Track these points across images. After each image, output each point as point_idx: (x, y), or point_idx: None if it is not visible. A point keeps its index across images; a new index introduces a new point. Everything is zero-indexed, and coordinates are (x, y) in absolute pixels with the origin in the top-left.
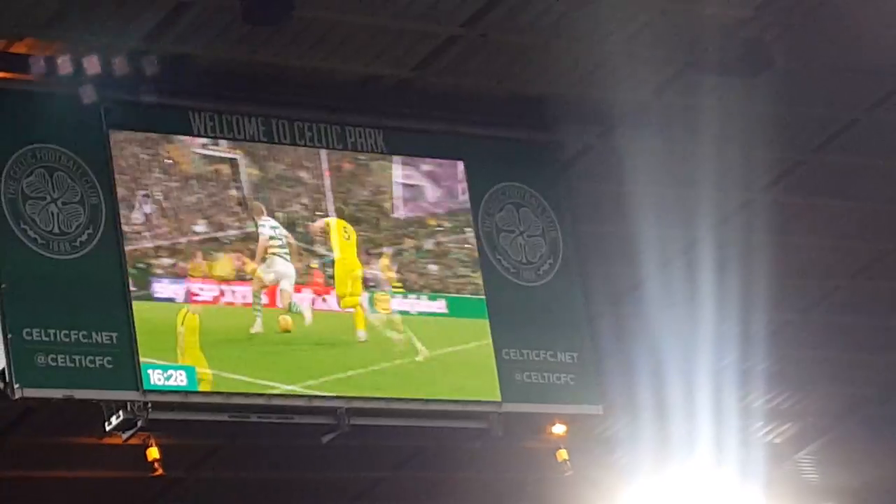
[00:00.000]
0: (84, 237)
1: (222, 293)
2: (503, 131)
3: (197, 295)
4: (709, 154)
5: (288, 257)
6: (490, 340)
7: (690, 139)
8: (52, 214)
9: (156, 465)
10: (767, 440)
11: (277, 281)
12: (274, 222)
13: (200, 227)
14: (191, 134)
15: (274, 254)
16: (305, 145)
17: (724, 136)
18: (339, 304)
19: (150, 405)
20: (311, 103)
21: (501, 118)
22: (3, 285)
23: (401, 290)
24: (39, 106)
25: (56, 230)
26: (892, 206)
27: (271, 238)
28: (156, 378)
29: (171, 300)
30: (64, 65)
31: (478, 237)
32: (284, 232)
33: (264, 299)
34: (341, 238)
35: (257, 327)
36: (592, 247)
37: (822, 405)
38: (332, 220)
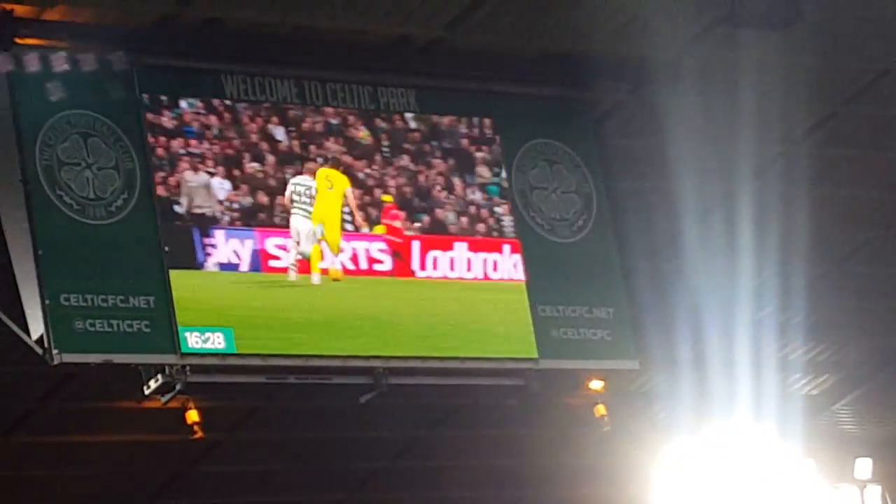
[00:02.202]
0: (119, 202)
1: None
2: (535, 89)
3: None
4: (743, 107)
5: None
6: (526, 297)
7: (724, 93)
8: (88, 180)
9: (195, 427)
10: (805, 392)
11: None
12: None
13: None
14: (223, 97)
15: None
16: (338, 106)
17: (757, 88)
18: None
19: (188, 368)
20: (343, 64)
21: (533, 76)
22: (40, 251)
23: None
24: (73, 72)
25: (91, 195)
26: None
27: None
28: (193, 341)
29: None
30: (96, 31)
31: (511, 194)
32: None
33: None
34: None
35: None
36: (628, 202)
37: (859, 356)
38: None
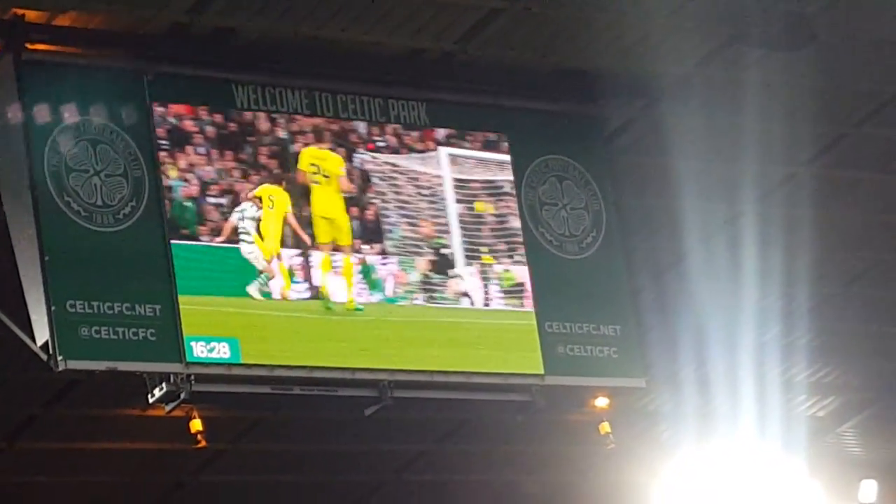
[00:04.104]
0: (127, 209)
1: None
2: (546, 104)
3: None
4: (752, 128)
5: None
6: (533, 313)
7: (733, 113)
8: (96, 187)
9: (199, 436)
10: (810, 414)
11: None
12: None
13: None
14: (234, 106)
15: None
16: (349, 118)
17: (767, 109)
18: None
19: (193, 377)
20: (355, 76)
21: (544, 91)
22: (47, 257)
23: None
24: (83, 79)
25: (99, 202)
26: None
27: None
28: (199, 350)
29: None
30: (107, 38)
31: (521, 210)
32: None
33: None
34: None
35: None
36: (636, 220)
37: (864, 379)
38: None
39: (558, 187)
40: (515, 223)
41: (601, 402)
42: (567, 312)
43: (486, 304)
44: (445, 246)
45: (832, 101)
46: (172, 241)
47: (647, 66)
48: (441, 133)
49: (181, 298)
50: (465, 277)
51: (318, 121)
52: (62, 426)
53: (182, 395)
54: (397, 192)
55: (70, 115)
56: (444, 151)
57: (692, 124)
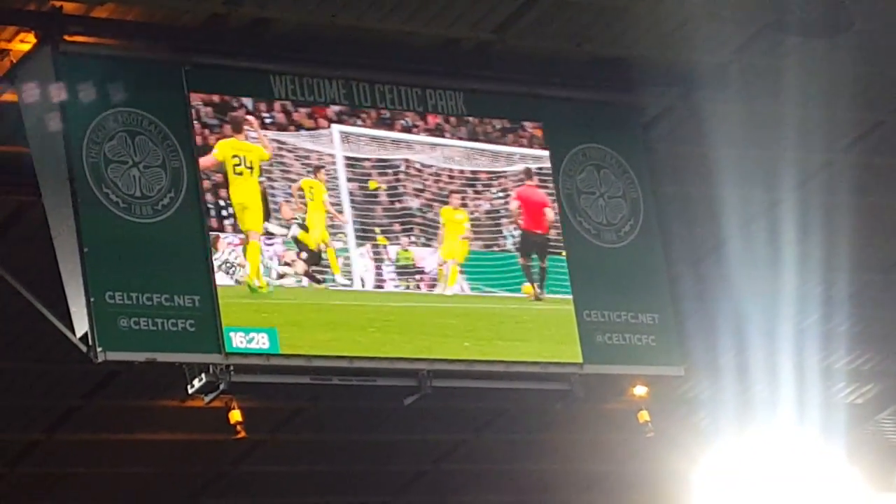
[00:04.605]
0: (166, 200)
1: None
2: (583, 93)
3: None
4: (790, 114)
5: None
6: (572, 302)
7: (771, 100)
8: (134, 178)
9: (238, 427)
10: (849, 401)
11: None
12: None
13: None
14: (271, 97)
15: None
16: (386, 107)
17: (805, 96)
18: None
19: (232, 368)
20: (392, 66)
21: (581, 80)
22: (86, 249)
23: None
24: (120, 70)
25: (138, 193)
26: None
27: None
28: (238, 341)
29: None
30: (144, 29)
31: (558, 199)
32: None
33: None
34: None
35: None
36: (673, 208)
37: None
38: None
39: (596, 176)
40: (412, 202)
41: (640, 390)
42: (605, 301)
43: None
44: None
45: (870, 88)
46: (211, 232)
47: (684, 53)
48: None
49: (220, 289)
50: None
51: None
52: (101, 417)
53: (221, 386)
54: None
55: (108, 106)
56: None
57: (730, 112)
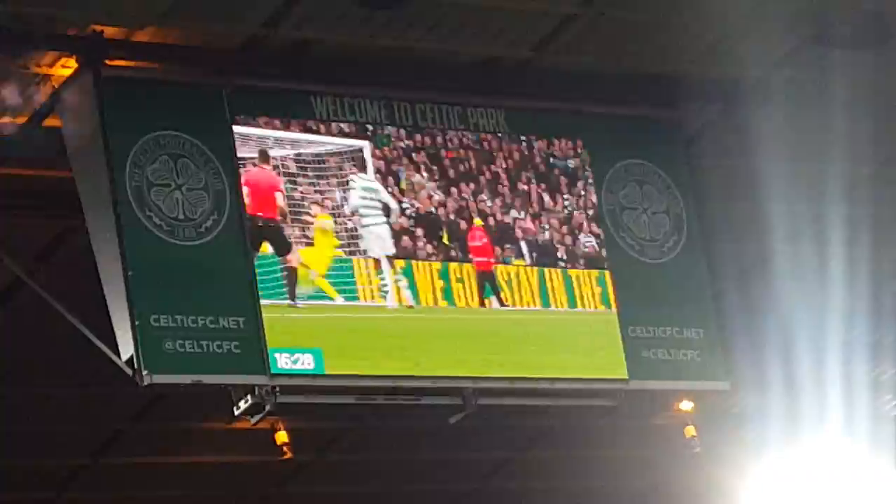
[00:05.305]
0: (209, 223)
1: None
2: (624, 109)
3: None
4: (833, 127)
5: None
6: (616, 318)
7: (813, 112)
8: (177, 201)
9: (284, 448)
10: None
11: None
12: None
13: None
14: (313, 118)
15: None
16: (427, 127)
17: (847, 108)
18: None
19: (277, 389)
20: (432, 85)
21: (622, 96)
22: (130, 272)
23: None
24: (161, 94)
25: (181, 216)
26: None
27: None
28: (283, 362)
29: None
30: (185, 52)
31: (601, 216)
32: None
33: None
34: None
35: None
36: (718, 223)
37: None
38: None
39: (638, 192)
40: None
41: (685, 405)
42: (650, 317)
43: None
44: None
45: None
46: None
47: (725, 68)
48: None
49: (264, 310)
50: None
51: None
52: (148, 441)
53: (267, 408)
54: None
55: (150, 130)
56: None
57: (772, 125)
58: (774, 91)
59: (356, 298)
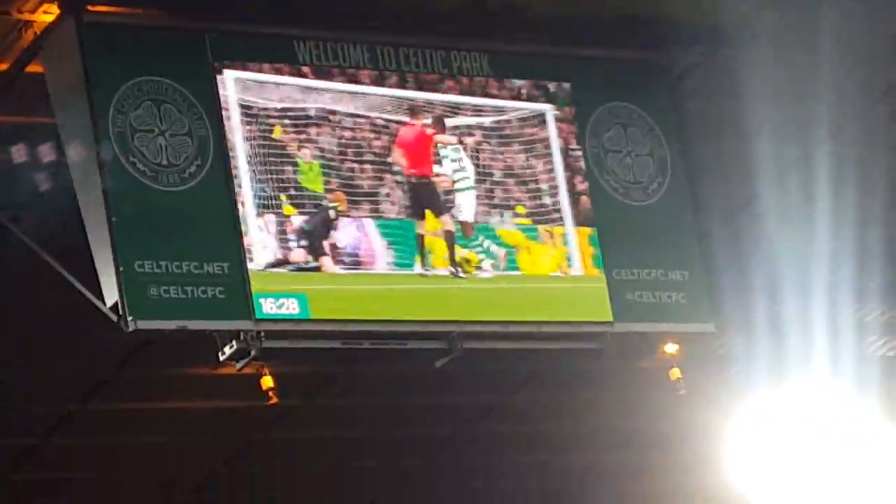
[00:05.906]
0: (193, 168)
1: None
2: (609, 52)
3: None
4: (820, 68)
5: None
6: (601, 260)
7: (801, 54)
8: (161, 147)
9: (270, 393)
10: (882, 353)
11: None
12: None
13: None
14: (296, 62)
15: None
16: (410, 70)
17: (834, 49)
18: None
19: (262, 334)
20: (416, 29)
21: (607, 39)
22: (114, 218)
23: None
24: (144, 39)
25: (164, 162)
26: None
27: None
28: (268, 307)
29: None
30: None
31: (585, 158)
32: None
33: None
34: None
35: None
36: (704, 165)
37: None
38: None
39: (623, 134)
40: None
41: (671, 347)
42: (634, 259)
43: None
44: None
45: None
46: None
47: (712, 9)
48: None
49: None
50: None
51: None
52: (134, 387)
53: (252, 353)
54: None
55: (133, 76)
56: None
57: (759, 67)
58: (760, 32)
59: None
